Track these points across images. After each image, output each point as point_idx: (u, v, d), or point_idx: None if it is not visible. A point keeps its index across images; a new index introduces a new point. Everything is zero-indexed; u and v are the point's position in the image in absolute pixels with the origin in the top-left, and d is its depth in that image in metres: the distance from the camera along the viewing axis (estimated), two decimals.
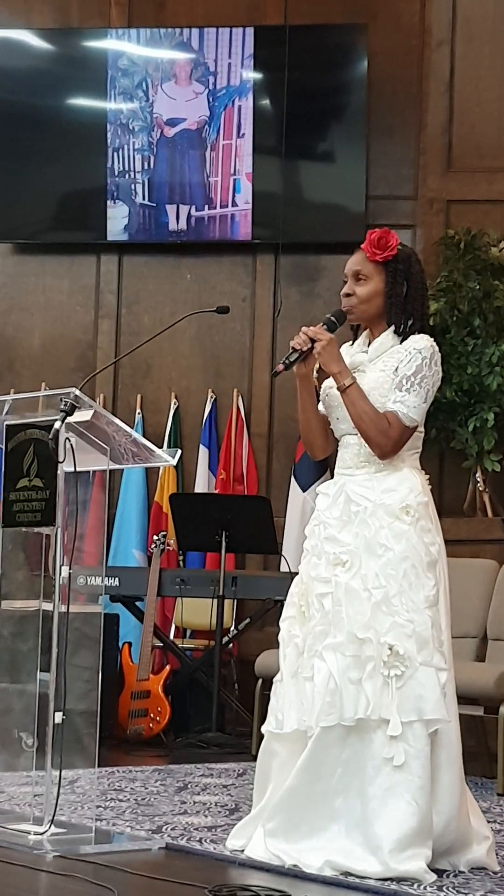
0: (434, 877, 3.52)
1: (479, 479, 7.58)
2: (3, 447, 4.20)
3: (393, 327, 3.84)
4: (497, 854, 3.84)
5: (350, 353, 3.92)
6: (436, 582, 3.69)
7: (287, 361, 3.83)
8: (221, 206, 8.27)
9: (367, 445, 3.78)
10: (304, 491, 7.85)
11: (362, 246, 3.86)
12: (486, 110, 8.12)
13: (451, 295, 7.46)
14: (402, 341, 3.82)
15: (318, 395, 3.97)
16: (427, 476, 3.88)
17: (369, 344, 3.90)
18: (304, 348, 3.81)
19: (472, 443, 7.48)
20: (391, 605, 3.63)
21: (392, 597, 3.63)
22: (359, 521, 3.72)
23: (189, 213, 8.29)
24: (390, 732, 3.55)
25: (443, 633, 3.69)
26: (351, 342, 3.97)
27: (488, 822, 4.04)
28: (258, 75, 8.24)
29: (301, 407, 3.93)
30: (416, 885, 3.45)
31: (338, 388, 3.80)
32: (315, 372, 3.90)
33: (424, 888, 3.43)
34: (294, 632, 3.82)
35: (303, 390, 3.90)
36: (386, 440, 3.74)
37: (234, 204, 8.25)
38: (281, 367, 3.84)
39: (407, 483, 3.76)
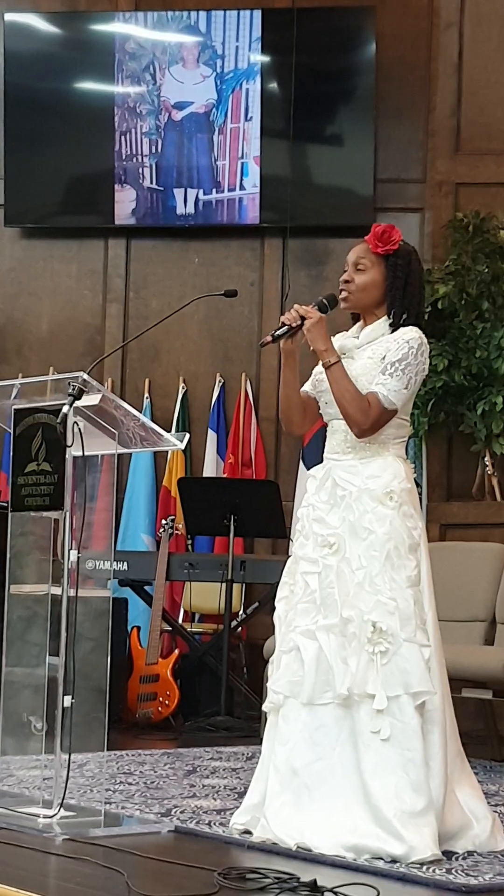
0: (441, 857, 3.52)
1: (487, 463, 7.57)
2: (12, 431, 4.20)
3: (386, 318, 3.93)
4: None
5: (341, 337, 4.01)
6: (417, 563, 3.77)
7: (275, 334, 3.93)
8: (229, 190, 8.25)
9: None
10: None
11: (366, 238, 3.97)
12: (495, 92, 8.09)
13: (459, 278, 7.43)
14: (392, 332, 3.91)
15: (304, 376, 4.04)
16: (412, 465, 3.94)
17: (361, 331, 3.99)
18: (294, 324, 3.90)
19: (481, 426, 7.46)
20: (374, 584, 3.71)
21: (375, 576, 3.71)
22: (344, 505, 3.81)
23: (197, 196, 8.27)
24: (375, 706, 3.61)
25: (426, 612, 3.76)
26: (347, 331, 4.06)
27: (497, 804, 4.05)
28: (266, 58, 8.22)
29: (283, 381, 4.03)
30: (424, 868, 3.45)
31: (322, 366, 3.89)
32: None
33: (433, 871, 3.43)
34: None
35: (286, 366, 4.00)
36: (364, 419, 3.81)
37: (242, 187, 8.23)
38: (269, 338, 3.95)
39: (391, 469, 3.84)
